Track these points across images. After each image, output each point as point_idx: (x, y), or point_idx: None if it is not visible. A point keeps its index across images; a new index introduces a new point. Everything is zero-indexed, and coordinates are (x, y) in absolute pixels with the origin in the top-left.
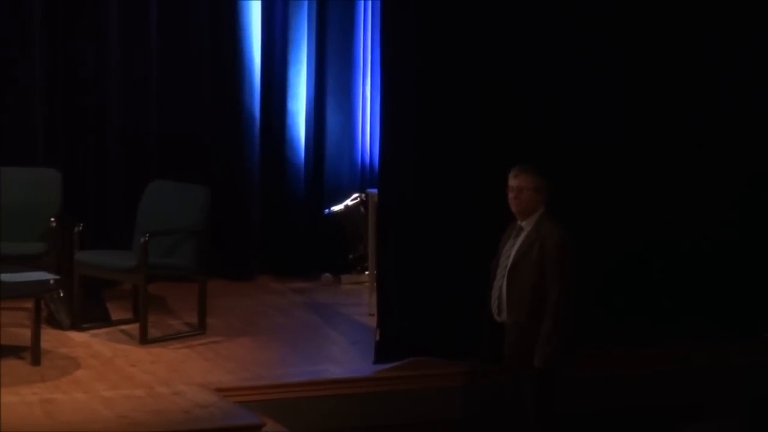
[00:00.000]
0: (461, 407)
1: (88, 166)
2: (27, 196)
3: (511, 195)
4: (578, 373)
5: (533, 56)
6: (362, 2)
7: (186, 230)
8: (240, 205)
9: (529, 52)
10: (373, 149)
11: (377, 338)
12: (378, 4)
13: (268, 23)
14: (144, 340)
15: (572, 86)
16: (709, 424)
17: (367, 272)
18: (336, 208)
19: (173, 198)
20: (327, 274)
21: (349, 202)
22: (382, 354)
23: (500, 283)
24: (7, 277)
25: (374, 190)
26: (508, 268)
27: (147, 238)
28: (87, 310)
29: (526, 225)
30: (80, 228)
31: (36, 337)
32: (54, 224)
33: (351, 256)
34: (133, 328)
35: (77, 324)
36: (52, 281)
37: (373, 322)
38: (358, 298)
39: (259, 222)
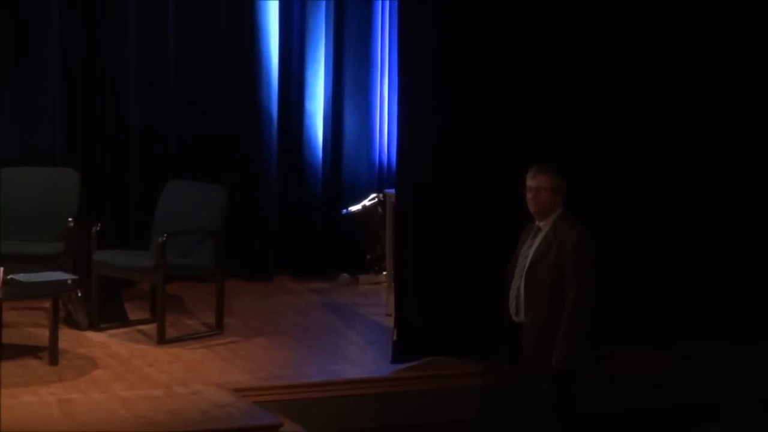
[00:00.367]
0: (479, 407)
1: (106, 166)
2: (45, 196)
3: (529, 195)
4: (595, 373)
5: (553, 56)
6: (380, 2)
7: (204, 230)
8: (258, 206)
9: (549, 51)
10: (390, 149)
11: (395, 338)
12: (396, 4)
13: (286, 23)
14: (162, 340)
15: (593, 86)
16: (726, 426)
17: (384, 272)
18: (354, 208)
19: (191, 198)
20: (345, 275)
21: (366, 202)
22: (399, 354)
23: (518, 284)
24: (26, 277)
25: (392, 190)
26: (526, 269)
27: (165, 238)
28: (105, 310)
29: (544, 225)
30: (98, 228)
31: (54, 337)
32: (72, 224)
33: (369, 257)
34: (151, 328)
35: (95, 324)
36: (70, 281)
37: (390, 322)
38: (376, 298)
39: (276, 222)
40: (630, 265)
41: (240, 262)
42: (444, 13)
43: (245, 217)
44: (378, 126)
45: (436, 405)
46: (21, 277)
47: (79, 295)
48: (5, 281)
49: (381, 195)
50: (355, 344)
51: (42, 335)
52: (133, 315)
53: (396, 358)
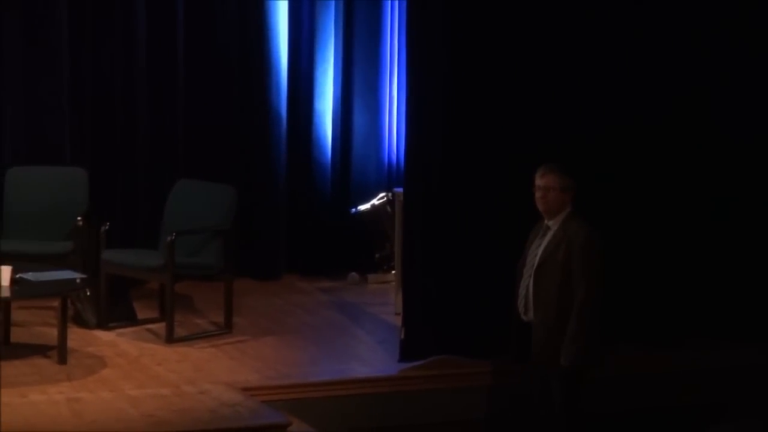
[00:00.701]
0: (487, 406)
1: (115, 165)
2: (54, 196)
3: (537, 194)
4: (603, 372)
5: (562, 55)
6: (389, 1)
7: (212, 229)
8: (266, 205)
9: (557, 50)
10: (399, 148)
11: (402, 336)
12: (405, 4)
13: (295, 22)
14: (170, 339)
15: (602, 85)
16: (734, 425)
17: (393, 271)
18: (363, 207)
19: (200, 197)
20: (354, 274)
21: (375, 201)
22: (407, 352)
23: (527, 283)
24: (34, 276)
25: (401, 190)
26: (534, 268)
27: (173, 238)
28: (113, 309)
29: (553, 224)
30: (107, 227)
31: (62, 336)
32: (81, 223)
33: (378, 256)
34: (160, 327)
35: (104, 323)
36: (78, 280)
37: (399, 321)
38: (385, 297)
39: (285, 221)
40: (637, 264)
41: (249, 261)
42: (453, 13)
43: (254, 216)
44: (387, 125)
45: (445, 404)
46: (30, 276)
47: (88, 294)
48: (14, 280)
49: (390, 194)
50: (364, 343)
51: (51, 334)
52: (141, 314)
53: (403, 356)
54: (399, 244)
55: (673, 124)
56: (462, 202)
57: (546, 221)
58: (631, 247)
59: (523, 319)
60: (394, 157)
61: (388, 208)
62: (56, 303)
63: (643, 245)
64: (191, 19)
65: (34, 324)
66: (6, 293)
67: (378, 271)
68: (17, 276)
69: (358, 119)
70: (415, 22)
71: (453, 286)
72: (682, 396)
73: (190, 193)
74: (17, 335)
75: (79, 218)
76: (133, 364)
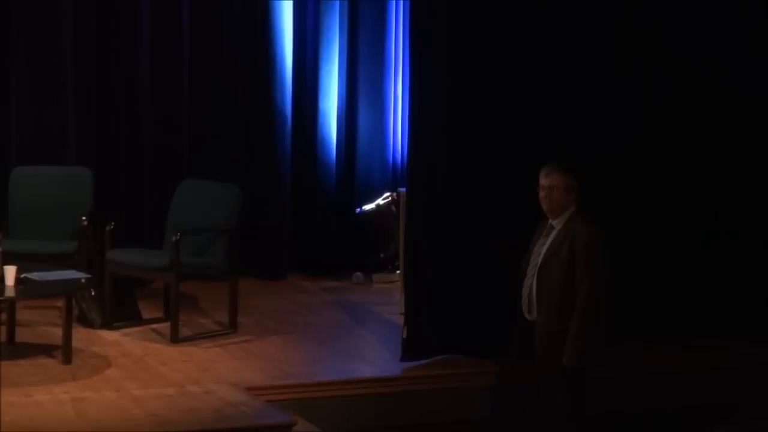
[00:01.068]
0: (492, 406)
1: (120, 164)
2: (59, 195)
3: (541, 194)
4: (611, 372)
5: (565, 54)
6: (394, 1)
7: (217, 229)
8: (271, 204)
9: (561, 49)
10: (404, 148)
11: (404, 335)
12: (409, 3)
13: (300, 22)
14: (175, 339)
15: (607, 84)
16: (743, 425)
17: (398, 271)
18: (367, 207)
19: (205, 197)
20: (358, 273)
21: (380, 201)
22: (409, 351)
23: (530, 282)
24: (39, 276)
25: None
26: (538, 267)
27: (178, 237)
28: (118, 309)
29: (556, 224)
30: (112, 227)
31: (67, 336)
32: (86, 223)
33: (382, 255)
34: (164, 326)
35: (108, 323)
36: (83, 280)
37: (403, 321)
38: (390, 297)
39: (290, 221)
40: (646, 264)
41: (253, 261)
42: (456, 13)
43: (259, 216)
44: (392, 125)
45: (449, 404)
46: (35, 275)
47: (93, 293)
48: (19, 280)
49: (395, 194)
50: (369, 343)
51: (55, 334)
52: (146, 314)
53: (406, 355)
54: (404, 243)
55: (680, 123)
56: (465, 201)
57: (550, 221)
58: (639, 246)
59: (527, 318)
60: (398, 156)
61: (393, 208)
62: (61, 303)
63: (651, 245)
64: (196, 18)
65: (39, 324)
66: (11, 293)
67: (383, 271)
68: (22, 276)
69: (363, 119)
70: (418, 21)
71: (456, 285)
72: (690, 396)
73: (195, 193)
74: (22, 335)
75: (83, 218)
76: (137, 364)
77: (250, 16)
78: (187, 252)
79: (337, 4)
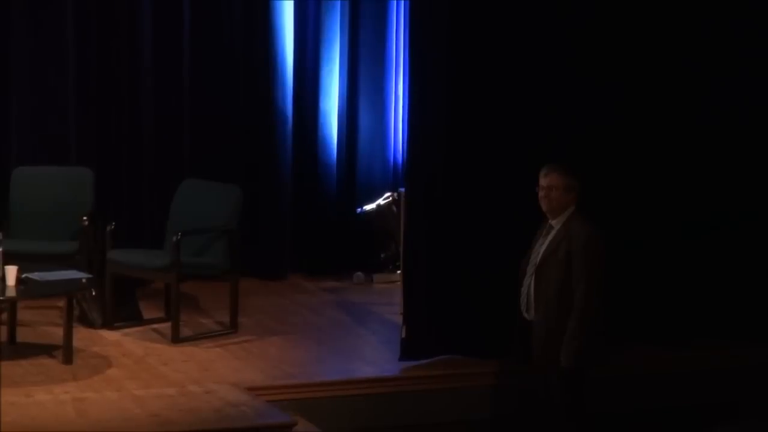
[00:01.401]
0: (492, 406)
1: (120, 164)
2: (60, 195)
3: (541, 194)
4: (611, 372)
5: (565, 53)
6: (395, 1)
7: (218, 229)
8: (272, 205)
9: (561, 49)
10: (405, 148)
11: (403, 335)
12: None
13: (301, 22)
14: (176, 338)
15: (608, 84)
16: (742, 425)
17: (399, 271)
18: (368, 207)
19: (205, 197)
20: (359, 273)
21: (381, 201)
22: (408, 351)
23: (529, 281)
24: (40, 276)
25: None
26: (535, 266)
27: (179, 237)
28: (119, 309)
29: (556, 223)
30: (112, 227)
31: (68, 336)
32: (86, 223)
33: (383, 255)
34: (165, 326)
35: (109, 323)
36: (84, 280)
37: None
38: (390, 297)
39: (291, 221)
40: (646, 264)
41: (254, 261)
42: (456, 12)
43: (259, 216)
44: (393, 125)
45: (450, 404)
46: (35, 275)
47: (94, 293)
48: (20, 280)
49: (395, 194)
50: (369, 343)
51: (56, 334)
52: (147, 314)
53: (404, 355)
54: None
55: (682, 123)
56: (464, 201)
57: (550, 220)
58: (640, 246)
59: (526, 317)
60: (399, 156)
61: (394, 208)
62: (62, 303)
63: (652, 245)
64: (197, 18)
65: (40, 324)
66: (12, 293)
67: (383, 271)
68: (23, 276)
69: (364, 119)
70: (417, 20)
71: (455, 285)
72: (690, 396)
73: (196, 193)
74: (23, 335)
75: (84, 218)
76: (138, 364)
77: (251, 16)
78: (188, 252)
79: (338, 4)
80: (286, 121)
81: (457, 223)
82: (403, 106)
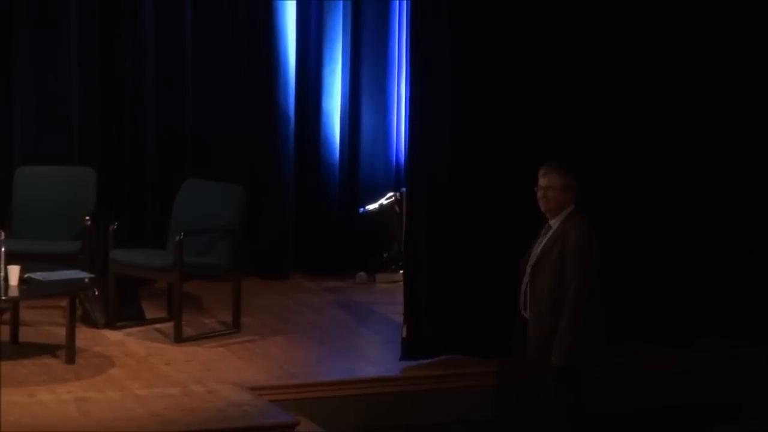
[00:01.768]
0: (493, 406)
1: (123, 164)
2: (62, 195)
3: (539, 194)
4: (610, 372)
5: (569, 54)
6: (397, 1)
7: (220, 229)
8: (275, 204)
9: (564, 49)
10: (407, 148)
11: (404, 335)
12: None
13: (303, 22)
14: (178, 338)
15: (610, 85)
16: (743, 425)
17: (401, 271)
18: (371, 207)
19: (208, 197)
20: (362, 273)
21: (383, 201)
22: (409, 351)
23: (526, 280)
24: (43, 275)
25: None
26: (531, 265)
27: (182, 237)
28: (121, 309)
29: (554, 223)
30: (115, 226)
31: (71, 336)
32: (89, 223)
33: (385, 255)
34: (168, 326)
35: (112, 322)
36: (86, 280)
37: None
38: (393, 297)
39: (293, 221)
40: (647, 264)
41: (257, 261)
42: (457, 11)
43: (262, 216)
44: (395, 125)
45: (452, 404)
46: (38, 275)
47: (96, 293)
48: (23, 280)
49: (398, 194)
50: (372, 343)
51: (59, 334)
52: (149, 314)
53: (405, 355)
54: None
55: (685, 122)
56: (466, 201)
57: (549, 220)
58: (640, 246)
59: (525, 316)
60: (402, 156)
61: (396, 208)
62: (64, 302)
63: (653, 244)
64: (200, 19)
65: (43, 323)
66: (14, 293)
67: (386, 271)
68: (26, 275)
69: (366, 119)
70: (419, 18)
71: (457, 285)
72: (690, 396)
73: (198, 193)
74: (26, 335)
75: (87, 218)
76: (141, 364)
77: (254, 16)
78: (191, 252)
79: (340, 4)
80: (288, 120)
81: (458, 223)
82: (405, 106)
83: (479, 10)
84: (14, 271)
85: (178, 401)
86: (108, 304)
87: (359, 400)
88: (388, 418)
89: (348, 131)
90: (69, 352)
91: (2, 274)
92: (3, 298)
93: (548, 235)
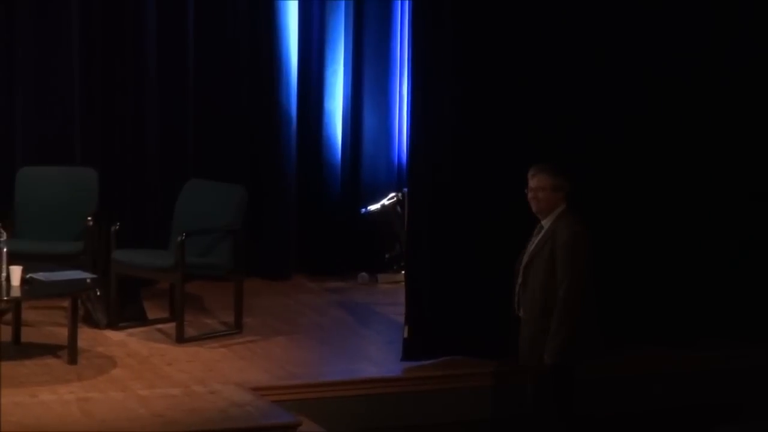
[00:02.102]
0: (494, 407)
1: (125, 165)
2: (64, 195)
3: (529, 195)
4: (613, 372)
5: (569, 54)
6: (399, 2)
7: (222, 229)
8: (276, 205)
9: (565, 49)
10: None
11: (405, 335)
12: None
13: (306, 23)
14: (180, 339)
15: (609, 84)
16: (744, 426)
17: (403, 272)
18: (373, 207)
19: (210, 197)
20: (363, 274)
21: (385, 201)
22: (410, 352)
23: (519, 281)
24: (45, 276)
25: None
26: (523, 265)
27: (184, 238)
28: (123, 310)
29: (545, 224)
30: (117, 227)
31: (73, 336)
32: (91, 223)
33: (387, 256)
34: (170, 327)
35: (114, 323)
36: (89, 280)
37: None
38: (395, 297)
39: (295, 221)
40: (647, 264)
41: (259, 261)
42: (458, 11)
43: (264, 216)
44: (397, 125)
45: (453, 404)
46: (40, 276)
47: (98, 294)
48: (25, 280)
49: (400, 194)
50: (374, 343)
51: (61, 334)
52: (151, 314)
53: (407, 355)
54: None
55: (686, 121)
56: (467, 202)
57: (541, 221)
58: (640, 246)
59: (518, 315)
60: (404, 157)
61: (398, 208)
62: (66, 303)
63: (652, 244)
64: (201, 19)
65: (45, 324)
66: (16, 293)
67: (388, 271)
68: (28, 276)
69: (368, 119)
70: (420, 19)
71: (458, 286)
72: (690, 396)
73: (201, 193)
74: (28, 335)
75: (89, 218)
76: (143, 364)
77: (255, 16)
78: (193, 252)
79: (342, 4)
80: (290, 121)
81: (460, 223)
82: (407, 106)
83: (480, 11)
84: (16, 272)
85: (179, 402)
86: (110, 304)
87: (361, 401)
88: (389, 418)
89: (350, 131)
90: (71, 352)
91: (4, 274)
92: (5, 298)
93: (540, 236)
